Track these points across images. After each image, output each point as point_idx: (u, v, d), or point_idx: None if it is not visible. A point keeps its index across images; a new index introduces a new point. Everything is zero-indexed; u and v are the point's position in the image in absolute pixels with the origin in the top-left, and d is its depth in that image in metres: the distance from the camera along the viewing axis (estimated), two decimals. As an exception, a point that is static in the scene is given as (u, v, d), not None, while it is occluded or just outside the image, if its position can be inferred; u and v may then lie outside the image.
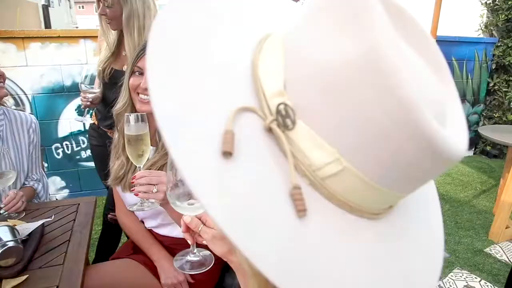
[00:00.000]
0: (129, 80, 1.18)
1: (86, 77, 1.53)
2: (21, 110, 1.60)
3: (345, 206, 0.34)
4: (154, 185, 1.01)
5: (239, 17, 0.41)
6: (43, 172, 1.68)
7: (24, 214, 1.34)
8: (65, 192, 3.11)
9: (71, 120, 2.94)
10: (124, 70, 1.66)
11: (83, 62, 2.85)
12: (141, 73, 1.17)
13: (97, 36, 2.84)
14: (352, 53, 0.30)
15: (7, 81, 2.69)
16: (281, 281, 0.27)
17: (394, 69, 0.29)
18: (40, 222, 1.18)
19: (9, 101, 2.71)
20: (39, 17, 13.24)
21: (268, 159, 0.31)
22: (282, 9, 0.47)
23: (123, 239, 2.03)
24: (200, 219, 0.77)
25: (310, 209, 0.31)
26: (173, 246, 1.30)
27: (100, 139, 1.82)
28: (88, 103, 1.61)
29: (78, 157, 3.05)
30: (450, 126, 0.35)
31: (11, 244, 1.00)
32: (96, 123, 1.80)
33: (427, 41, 0.37)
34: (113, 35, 1.63)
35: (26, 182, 1.58)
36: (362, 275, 0.34)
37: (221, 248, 0.76)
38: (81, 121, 1.77)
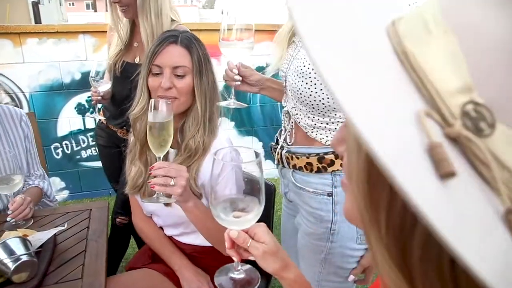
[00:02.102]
0: (147, 81, 1.08)
1: (98, 72, 1.42)
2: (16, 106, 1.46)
3: None
4: (172, 177, 0.92)
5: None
6: (43, 170, 1.56)
7: (32, 221, 1.23)
8: (65, 193, 2.99)
9: (70, 119, 2.82)
10: (136, 62, 1.54)
11: (82, 59, 2.73)
12: (160, 72, 1.07)
13: (96, 31, 2.75)
14: None
15: (3, 78, 2.58)
16: None
17: None
18: (53, 232, 1.08)
19: (0, 95, 2.56)
20: (29, 14, 13.02)
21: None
22: None
23: (132, 243, 1.94)
24: (247, 233, 0.69)
25: None
26: (196, 254, 1.21)
27: (109, 140, 1.71)
28: (100, 97, 1.50)
29: (78, 157, 2.94)
30: None
31: (24, 258, 0.90)
32: (105, 122, 1.69)
33: None
34: (125, 26, 1.52)
35: (30, 181, 1.45)
36: None
37: (273, 264, 0.69)
38: (93, 118, 1.67)
